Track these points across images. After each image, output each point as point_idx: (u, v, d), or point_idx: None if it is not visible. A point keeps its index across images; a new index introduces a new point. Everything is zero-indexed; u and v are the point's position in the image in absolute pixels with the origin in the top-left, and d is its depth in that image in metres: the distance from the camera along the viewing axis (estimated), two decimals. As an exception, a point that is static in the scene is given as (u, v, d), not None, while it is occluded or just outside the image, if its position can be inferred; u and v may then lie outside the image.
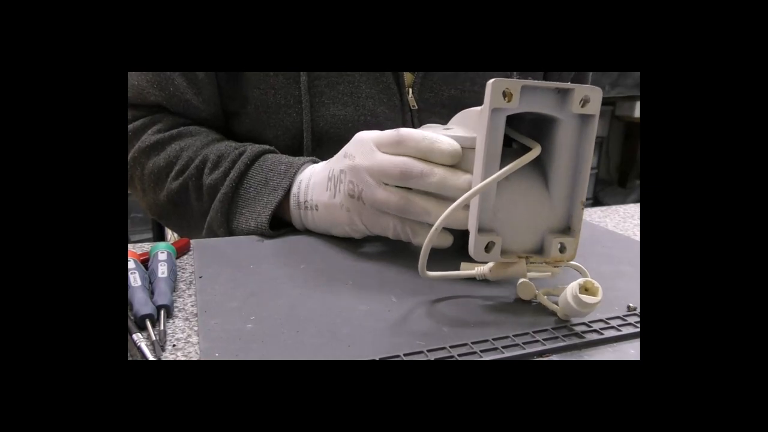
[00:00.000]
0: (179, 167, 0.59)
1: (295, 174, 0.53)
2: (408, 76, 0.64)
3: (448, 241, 0.44)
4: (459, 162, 0.42)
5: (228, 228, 0.55)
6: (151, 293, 0.40)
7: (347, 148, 0.48)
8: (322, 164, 0.52)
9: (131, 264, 0.42)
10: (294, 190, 0.53)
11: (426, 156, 0.42)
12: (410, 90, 0.64)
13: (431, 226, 0.38)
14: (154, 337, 0.35)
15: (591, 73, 0.77)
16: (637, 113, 2.74)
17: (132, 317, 0.37)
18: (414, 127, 0.63)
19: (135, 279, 0.40)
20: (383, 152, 0.44)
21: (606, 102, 2.65)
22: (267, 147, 0.58)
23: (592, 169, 2.77)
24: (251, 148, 0.57)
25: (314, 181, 0.51)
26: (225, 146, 0.58)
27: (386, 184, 0.44)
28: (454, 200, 0.38)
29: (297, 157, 0.56)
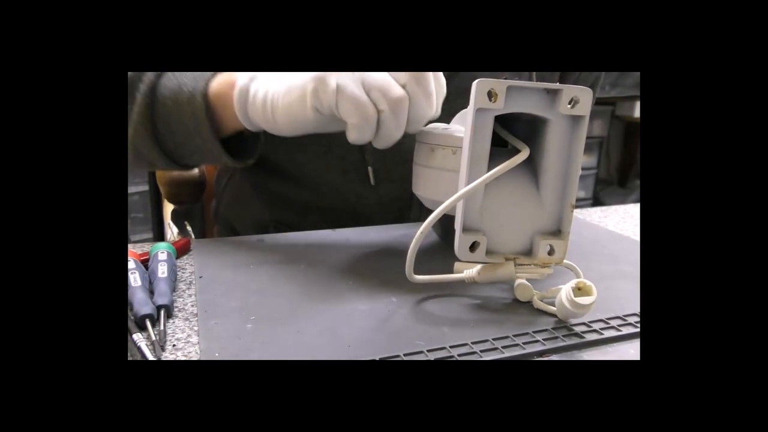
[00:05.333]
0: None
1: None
2: None
3: None
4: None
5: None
6: (151, 293, 0.40)
7: None
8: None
9: (131, 264, 0.42)
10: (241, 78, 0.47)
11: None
12: None
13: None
14: (154, 337, 0.35)
15: (578, 73, 0.74)
16: (637, 113, 2.74)
17: (132, 317, 0.37)
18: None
19: (135, 279, 0.40)
20: None
21: (606, 102, 2.65)
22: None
23: (592, 169, 2.76)
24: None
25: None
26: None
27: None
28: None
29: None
